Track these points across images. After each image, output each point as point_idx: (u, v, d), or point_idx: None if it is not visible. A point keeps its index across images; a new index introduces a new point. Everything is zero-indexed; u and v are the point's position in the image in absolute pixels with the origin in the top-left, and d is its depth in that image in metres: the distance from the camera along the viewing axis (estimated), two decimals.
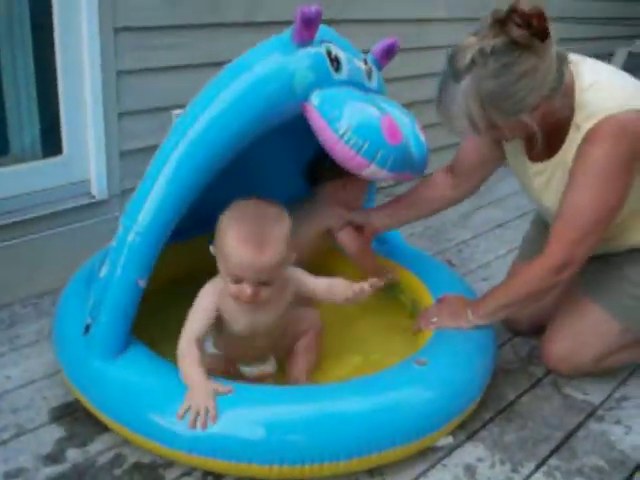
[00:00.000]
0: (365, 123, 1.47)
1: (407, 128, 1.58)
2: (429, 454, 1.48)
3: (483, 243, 2.72)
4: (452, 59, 1.44)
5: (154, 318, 1.63)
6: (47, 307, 1.94)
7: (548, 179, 1.65)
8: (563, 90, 1.47)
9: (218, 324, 1.49)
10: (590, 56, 1.60)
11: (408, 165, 1.57)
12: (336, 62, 1.52)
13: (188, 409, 1.30)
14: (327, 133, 1.47)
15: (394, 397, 1.41)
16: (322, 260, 1.97)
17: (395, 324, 1.87)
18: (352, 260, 1.95)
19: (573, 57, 1.52)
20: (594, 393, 1.75)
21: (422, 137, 1.63)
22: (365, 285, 1.51)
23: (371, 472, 1.42)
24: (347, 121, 1.45)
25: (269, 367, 1.60)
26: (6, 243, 1.92)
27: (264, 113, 1.44)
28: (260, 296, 1.42)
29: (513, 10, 1.38)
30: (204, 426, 1.29)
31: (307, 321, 1.66)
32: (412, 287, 1.93)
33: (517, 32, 1.37)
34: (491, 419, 1.62)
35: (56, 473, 1.35)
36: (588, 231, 1.51)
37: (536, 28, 1.38)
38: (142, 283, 1.44)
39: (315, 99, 1.47)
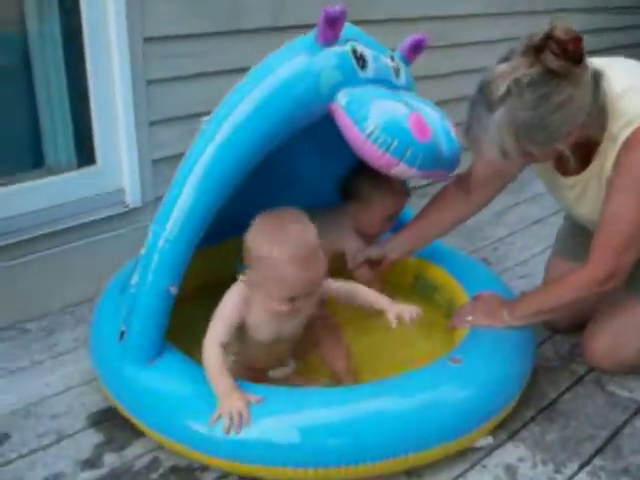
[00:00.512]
0: (393, 121, 1.45)
1: (437, 125, 1.55)
2: (468, 454, 1.45)
3: (519, 240, 2.67)
4: (485, 88, 1.39)
5: (185, 325, 1.62)
6: (84, 315, 1.96)
7: (583, 190, 1.62)
8: (597, 106, 1.43)
9: (238, 332, 1.45)
10: (625, 47, 1.56)
11: (439, 163, 1.55)
12: (362, 60, 1.50)
13: (220, 416, 1.30)
14: (354, 133, 1.45)
15: (429, 397, 1.39)
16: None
17: (430, 323, 1.84)
18: None
19: (600, 61, 1.47)
20: (639, 390, 1.70)
21: (453, 134, 1.60)
22: (406, 313, 1.45)
23: (408, 473, 1.40)
24: (374, 120, 1.43)
25: (289, 369, 1.59)
26: (43, 253, 1.96)
27: (291, 115, 1.44)
28: (304, 307, 1.41)
29: (549, 37, 1.33)
30: (239, 429, 1.28)
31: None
32: (448, 286, 1.90)
33: (554, 62, 1.32)
34: (532, 418, 1.59)
35: (94, 477, 1.37)
36: (632, 239, 1.48)
37: (571, 52, 1.33)
38: (173, 290, 1.44)
39: (342, 99, 1.45)
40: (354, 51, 1.50)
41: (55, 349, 1.82)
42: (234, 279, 1.46)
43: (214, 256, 1.90)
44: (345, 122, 1.46)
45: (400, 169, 1.49)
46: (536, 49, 1.34)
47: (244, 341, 1.48)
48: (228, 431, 1.28)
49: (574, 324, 1.89)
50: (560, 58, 1.32)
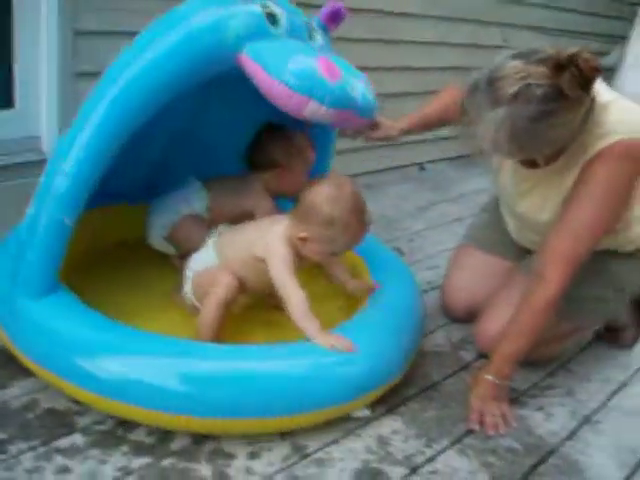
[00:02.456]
0: (300, 61, 1.46)
1: (347, 69, 1.56)
2: (345, 423, 1.50)
3: (435, 235, 2.75)
4: (495, 81, 1.40)
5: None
6: None
7: (532, 186, 1.67)
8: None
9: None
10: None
11: (351, 103, 1.54)
12: (272, 17, 1.52)
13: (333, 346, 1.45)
14: (262, 76, 1.46)
15: (309, 363, 1.42)
16: None
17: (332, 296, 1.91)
18: None
19: None
20: (521, 381, 1.76)
21: (365, 79, 1.61)
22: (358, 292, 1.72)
23: (282, 434, 1.43)
24: (282, 62, 1.44)
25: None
26: None
27: (196, 61, 1.45)
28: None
29: (574, 60, 1.35)
30: (352, 347, 1.45)
31: None
32: (356, 267, 1.95)
33: (570, 87, 1.35)
34: (413, 396, 1.64)
35: None
36: (584, 246, 1.52)
37: (587, 81, 1.37)
38: (68, 221, 1.44)
39: (250, 49, 1.47)
40: (264, 6, 1.51)
41: None
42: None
43: (128, 215, 1.98)
44: (253, 67, 1.46)
45: (311, 108, 1.48)
46: (558, 64, 1.35)
47: (257, 273, 1.62)
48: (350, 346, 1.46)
49: (472, 312, 1.91)
50: (576, 85, 1.35)
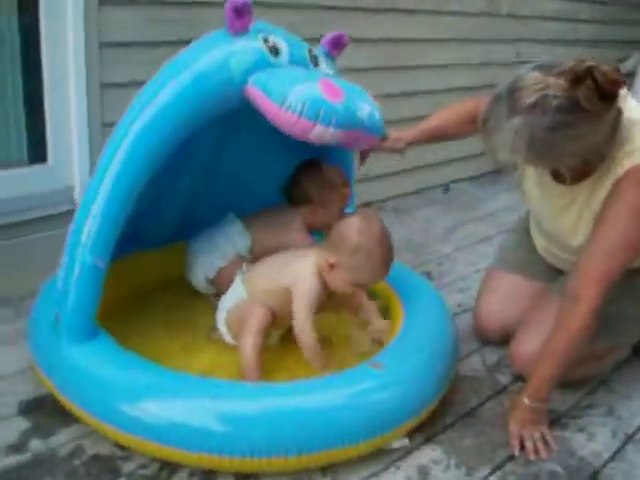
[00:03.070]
0: (303, 86, 1.48)
1: (351, 90, 1.58)
2: (384, 455, 1.50)
3: (464, 257, 2.75)
4: (514, 92, 1.42)
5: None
6: (27, 309, 1.97)
7: (569, 203, 1.66)
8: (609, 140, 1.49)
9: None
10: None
11: (358, 123, 1.55)
12: (274, 49, 1.56)
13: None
14: (267, 103, 1.48)
15: (346, 396, 1.44)
16: None
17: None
18: None
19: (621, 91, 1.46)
20: (560, 402, 1.75)
21: (371, 98, 1.62)
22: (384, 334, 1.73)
23: (323, 470, 1.44)
24: (285, 88, 1.46)
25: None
26: None
27: (207, 101, 1.51)
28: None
29: (590, 72, 1.36)
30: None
31: None
32: (385, 293, 1.96)
33: (586, 100, 1.36)
34: (451, 424, 1.64)
35: (17, 462, 1.40)
36: (617, 266, 1.51)
37: (607, 93, 1.37)
38: (101, 263, 1.49)
39: (254, 79, 1.50)
40: (265, 40, 1.55)
41: None
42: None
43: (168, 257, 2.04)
44: (258, 96, 1.49)
45: (317, 132, 1.49)
46: (575, 77, 1.36)
47: (285, 303, 1.65)
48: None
49: (506, 334, 1.91)
50: (593, 97, 1.36)
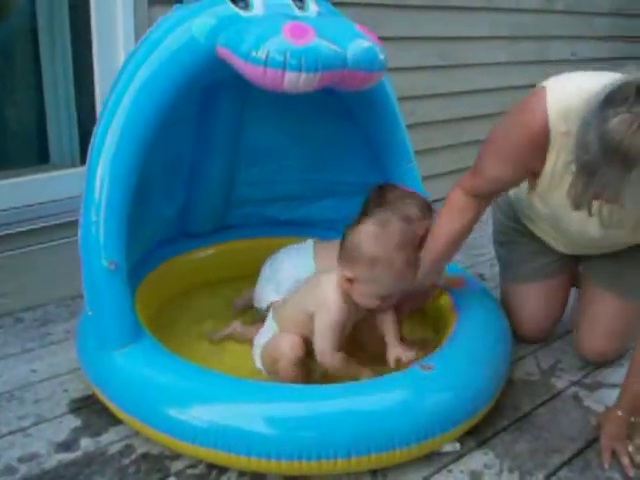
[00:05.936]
0: (263, 35, 1.42)
1: (332, 27, 1.50)
2: (436, 459, 1.47)
3: None
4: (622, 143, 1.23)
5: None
6: (79, 309, 2.01)
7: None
8: None
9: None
10: None
11: (337, 61, 1.45)
12: (242, 1, 1.53)
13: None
14: (234, 59, 1.45)
15: (396, 398, 1.42)
16: None
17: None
18: None
19: None
20: None
21: (363, 32, 1.53)
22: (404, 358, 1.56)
23: (373, 472, 1.42)
24: (247, 41, 1.43)
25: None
26: (45, 245, 2.02)
27: (185, 75, 1.53)
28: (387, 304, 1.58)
29: None
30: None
31: None
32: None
33: None
34: (504, 428, 1.60)
35: (67, 459, 1.41)
36: None
37: None
38: (111, 265, 1.49)
39: (221, 39, 1.49)
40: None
41: (47, 339, 1.89)
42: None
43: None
44: (226, 54, 1.47)
45: (290, 80, 1.41)
46: None
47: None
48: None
49: (542, 329, 1.97)
50: None
